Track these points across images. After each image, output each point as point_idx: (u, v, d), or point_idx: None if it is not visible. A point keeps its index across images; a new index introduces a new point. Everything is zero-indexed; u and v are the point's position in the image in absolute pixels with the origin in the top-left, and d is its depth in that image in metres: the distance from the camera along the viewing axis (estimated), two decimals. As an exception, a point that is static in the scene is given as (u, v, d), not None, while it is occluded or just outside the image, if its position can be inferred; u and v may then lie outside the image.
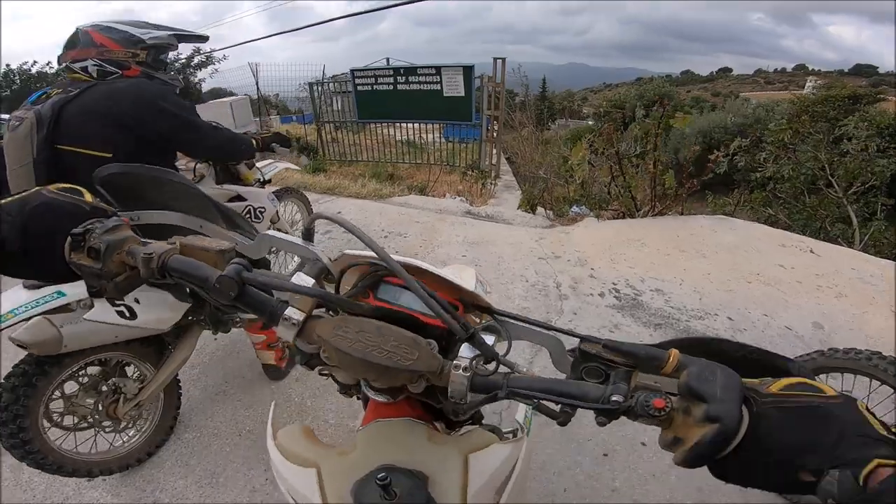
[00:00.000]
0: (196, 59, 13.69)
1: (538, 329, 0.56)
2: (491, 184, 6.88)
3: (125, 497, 1.72)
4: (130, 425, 1.76)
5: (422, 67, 7.34)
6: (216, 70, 14.23)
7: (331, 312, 0.55)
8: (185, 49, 14.90)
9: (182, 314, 1.68)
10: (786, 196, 5.90)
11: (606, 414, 0.43)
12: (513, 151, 10.45)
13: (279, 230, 2.68)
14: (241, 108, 8.81)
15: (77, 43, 1.63)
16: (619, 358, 0.46)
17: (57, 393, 1.53)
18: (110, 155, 1.54)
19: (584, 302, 2.86)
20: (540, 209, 4.71)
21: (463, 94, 7.12)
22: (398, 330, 0.49)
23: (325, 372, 0.64)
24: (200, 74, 14.13)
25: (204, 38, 2.12)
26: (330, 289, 0.58)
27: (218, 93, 14.72)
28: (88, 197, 0.60)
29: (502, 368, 0.50)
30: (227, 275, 0.51)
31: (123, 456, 1.74)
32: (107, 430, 1.67)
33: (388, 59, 8.31)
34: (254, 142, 2.03)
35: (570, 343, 0.53)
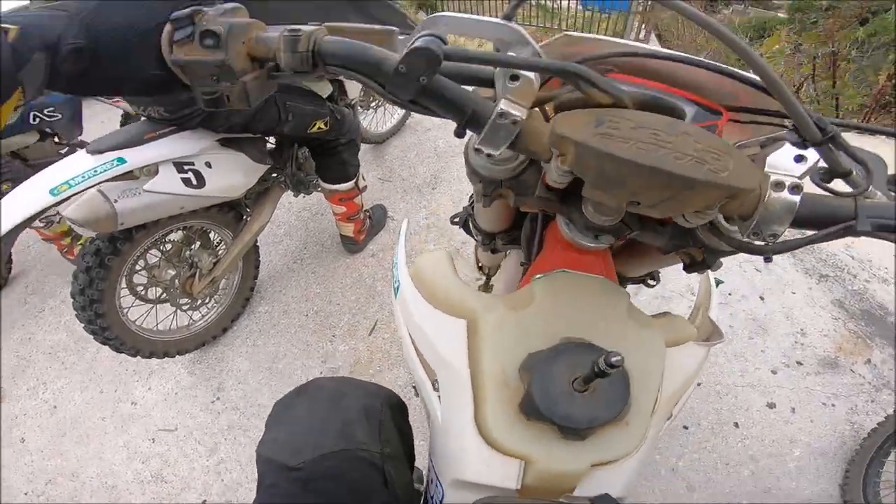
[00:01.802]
0: None
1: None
2: None
3: (199, 375, 1.77)
4: (207, 301, 1.75)
5: None
6: None
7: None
8: None
9: (257, 179, 1.53)
10: None
11: None
12: (666, 30, 8.76)
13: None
14: None
15: None
16: None
17: (139, 265, 1.49)
18: None
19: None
20: (699, 101, 3.89)
21: None
22: (697, 127, 0.33)
23: (499, 193, 0.45)
24: None
25: None
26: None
27: None
28: None
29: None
30: (421, 46, 0.33)
31: (200, 333, 1.76)
32: (184, 307, 1.66)
33: None
34: None
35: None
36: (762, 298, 1.89)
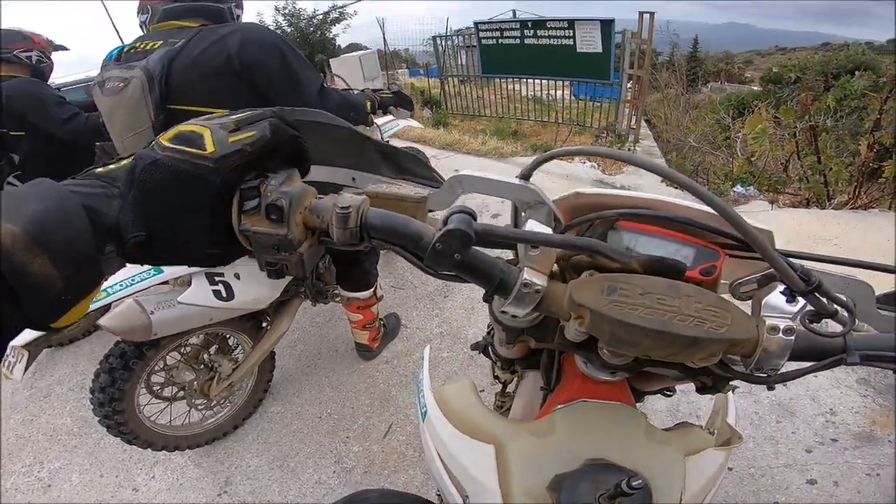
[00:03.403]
0: (331, 15, 13.82)
1: (839, 274, 0.43)
2: (629, 149, 6.04)
3: (206, 468, 1.73)
4: (222, 402, 1.76)
5: (552, 20, 6.63)
6: (348, 25, 14.18)
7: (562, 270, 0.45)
8: (322, 6, 15.20)
9: (282, 290, 1.58)
10: None
11: None
12: (654, 114, 9.28)
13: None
14: (369, 62, 9.00)
15: None
16: None
17: (159, 365, 1.52)
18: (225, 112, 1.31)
19: (746, 316, 2.23)
20: (691, 184, 3.96)
21: (600, 50, 6.35)
22: (696, 287, 0.38)
23: (521, 339, 0.49)
24: (334, 30, 14.26)
25: None
26: None
27: (356, 47, 15.24)
28: (209, 140, 0.38)
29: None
30: (455, 228, 0.36)
31: (212, 430, 1.75)
32: (199, 407, 1.68)
33: (514, 12, 7.65)
34: (369, 103, 1.71)
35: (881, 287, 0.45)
36: (785, 385, 1.86)
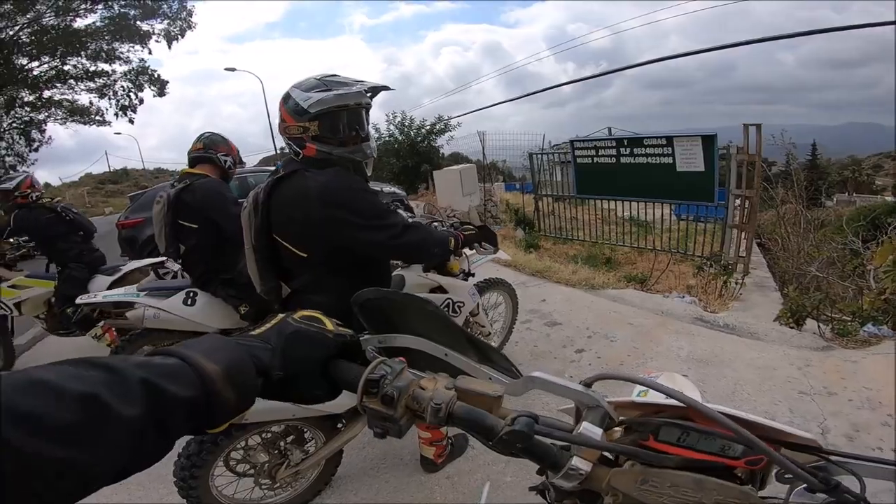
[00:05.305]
0: (437, 126, 14.62)
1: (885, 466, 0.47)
2: (736, 282, 5.26)
3: None
4: (284, 487, 1.86)
5: (649, 138, 6.32)
6: (452, 137, 14.87)
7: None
8: (429, 115, 16.25)
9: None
10: None
11: None
12: (769, 236, 8.13)
13: (478, 323, 2.63)
14: (468, 175, 9.51)
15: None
16: None
17: (241, 444, 1.70)
18: (306, 255, 1.47)
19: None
20: (811, 322, 3.39)
21: (702, 168, 5.80)
22: (719, 482, 0.45)
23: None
24: (439, 141, 14.93)
25: (387, 88, 1.65)
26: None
27: (458, 157, 16.16)
28: (328, 324, 0.62)
29: None
30: (518, 430, 0.49)
31: None
32: (262, 486, 1.80)
33: (609, 129, 7.30)
34: (452, 241, 1.73)
35: None
36: None
